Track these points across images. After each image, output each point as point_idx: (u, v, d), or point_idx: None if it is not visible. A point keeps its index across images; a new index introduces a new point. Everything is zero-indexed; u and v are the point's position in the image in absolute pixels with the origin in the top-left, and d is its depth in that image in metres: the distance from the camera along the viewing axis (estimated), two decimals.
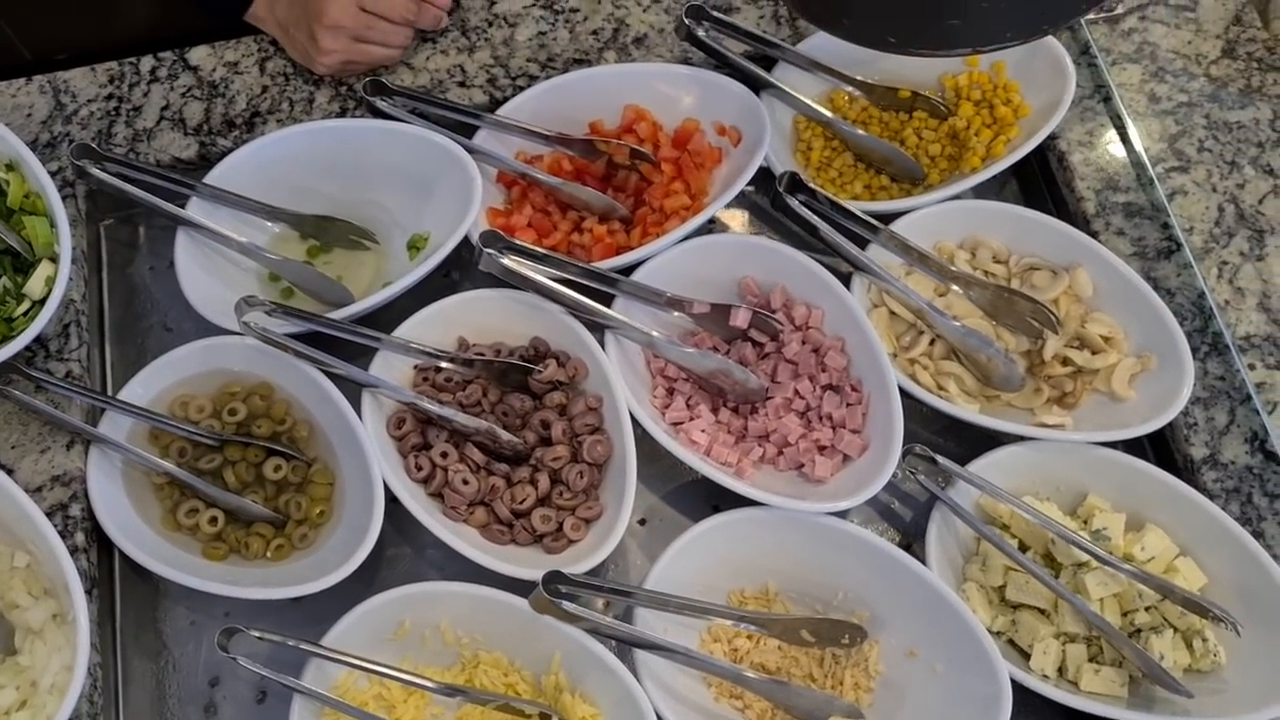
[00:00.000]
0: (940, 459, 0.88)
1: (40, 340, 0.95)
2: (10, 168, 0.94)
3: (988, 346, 0.92)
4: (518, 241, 0.92)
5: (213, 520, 0.91)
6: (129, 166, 0.98)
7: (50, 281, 0.92)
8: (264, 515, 0.91)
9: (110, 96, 1.05)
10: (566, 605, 0.82)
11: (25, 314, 0.92)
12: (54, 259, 0.93)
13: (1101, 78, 1.07)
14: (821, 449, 0.91)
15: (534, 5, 1.09)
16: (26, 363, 0.94)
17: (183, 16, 1.11)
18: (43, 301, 0.92)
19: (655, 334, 0.92)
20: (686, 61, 1.05)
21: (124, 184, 0.97)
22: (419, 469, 0.91)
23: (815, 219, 0.95)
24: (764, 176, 1.01)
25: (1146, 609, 0.86)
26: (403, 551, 0.95)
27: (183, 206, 0.98)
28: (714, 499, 0.94)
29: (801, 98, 1.01)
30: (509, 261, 0.92)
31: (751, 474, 0.90)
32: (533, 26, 1.08)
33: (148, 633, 0.93)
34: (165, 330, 1.03)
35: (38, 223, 0.92)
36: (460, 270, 1.03)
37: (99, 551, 0.91)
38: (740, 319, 0.94)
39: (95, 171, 0.97)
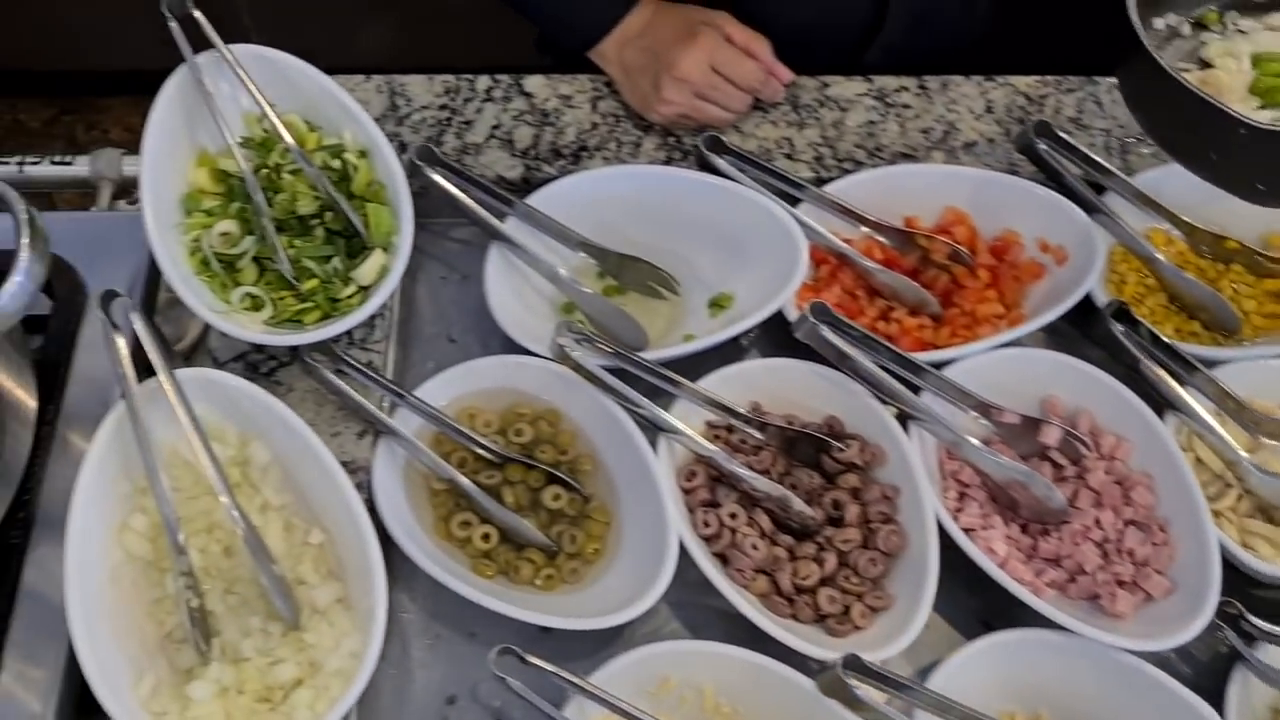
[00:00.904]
0: (1252, 618, 0.84)
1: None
2: (363, 154, 0.96)
3: None
4: (841, 317, 0.92)
5: (485, 537, 0.90)
6: (459, 176, 1.00)
7: (384, 270, 0.93)
8: (540, 541, 0.90)
9: (444, 107, 1.08)
10: (859, 692, 0.79)
11: (349, 297, 0.93)
12: (387, 249, 0.94)
13: None
14: (1121, 584, 0.88)
15: (867, 94, 1.10)
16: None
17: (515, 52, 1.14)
18: (366, 289, 0.94)
19: (966, 436, 0.91)
20: (1013, 173, 1.05)
21: (456, 191, 0.99)
22: (706, 525, 0.90)
23: (1137, 351, 0.94)
24: None
25: None
26: (655, 606, 0.93)
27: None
28: (985, 614, 0.91)
29: (1130, 229, 1.01)
30: (830, 335, 0.91)
31: (1047, 595, 0.87)
32: (863, 114, 1.09)
33: (391, 638, 0.91)
34: (449, 341, 1.04)
35: (380, 211, 0.94)
36: (747, 336, 1.03)
37: None
38: (1050, 436, 0.92)
39: (434, 175, 0.98)
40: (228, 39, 0.93)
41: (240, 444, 0.86)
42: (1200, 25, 0.90)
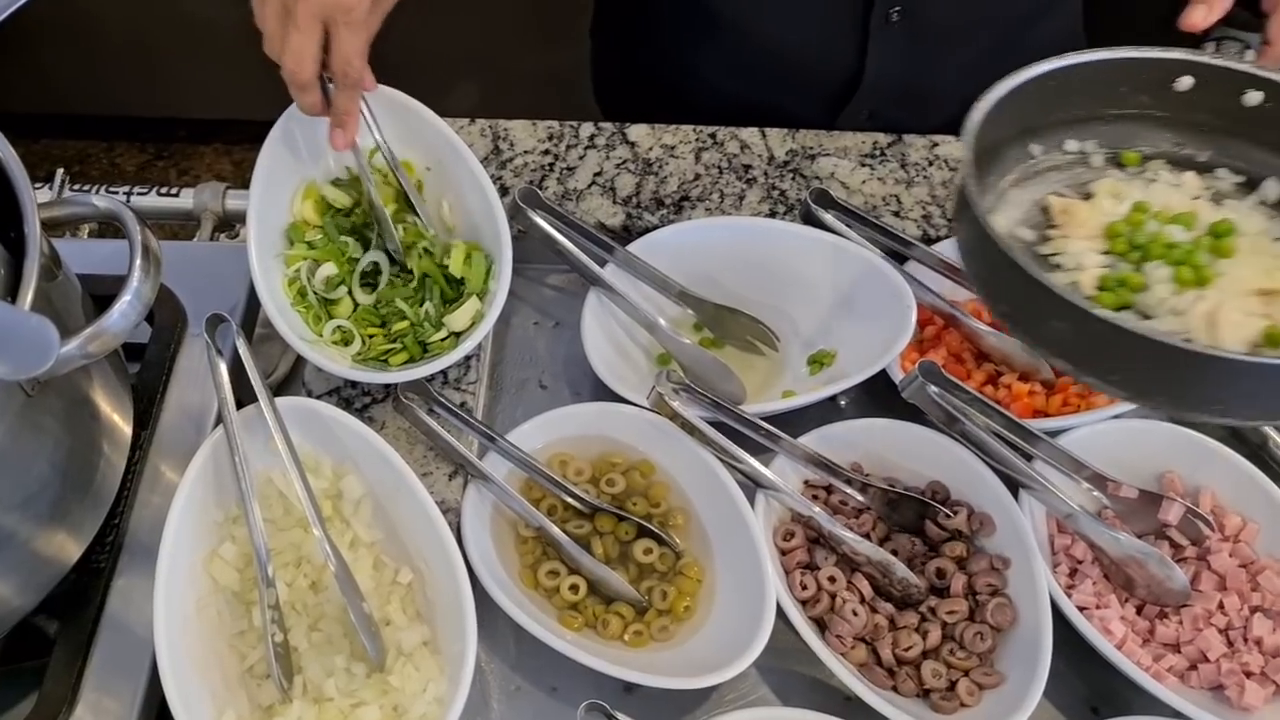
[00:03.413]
0: None
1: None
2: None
3: None
4: (951, 378, 0.88)
5: (573, 588, 0.87)
6: (560, 220, 0.99)
7: (479, 317, 0.92)
8: (630, 595, 0.87)
9: (547, 152, 1.08)
10: None
11: (441, 341, 0.92)
12: (482, 295, 0.93)
13: None
14: (1249, 674, 0.83)
15: None
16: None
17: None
18: (459, 334, 0.93)
19: (1083, 508, 0.86)
20: None
21: (557, 234, 0.98)
22: (803, 587, 0.86)
23: (1268, 429, 0.90)
24: None
25: None
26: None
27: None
28: (1093, 699, 0.86)
29: None
30: (939, 396, 0.88)
31: (1168, 682, 0.82)
32: None
33: (470, 687, 0.88)
34: (540, 387, 1.02)
35: (478, 259, 0.93)
36: (845, 395, 1.00)
37: None
38: (1170, 514, 0.87)
39: (535, 217, 0.98)
40: None
41: (334, 477, 0.84)
42: (1118, 163, 0.83)
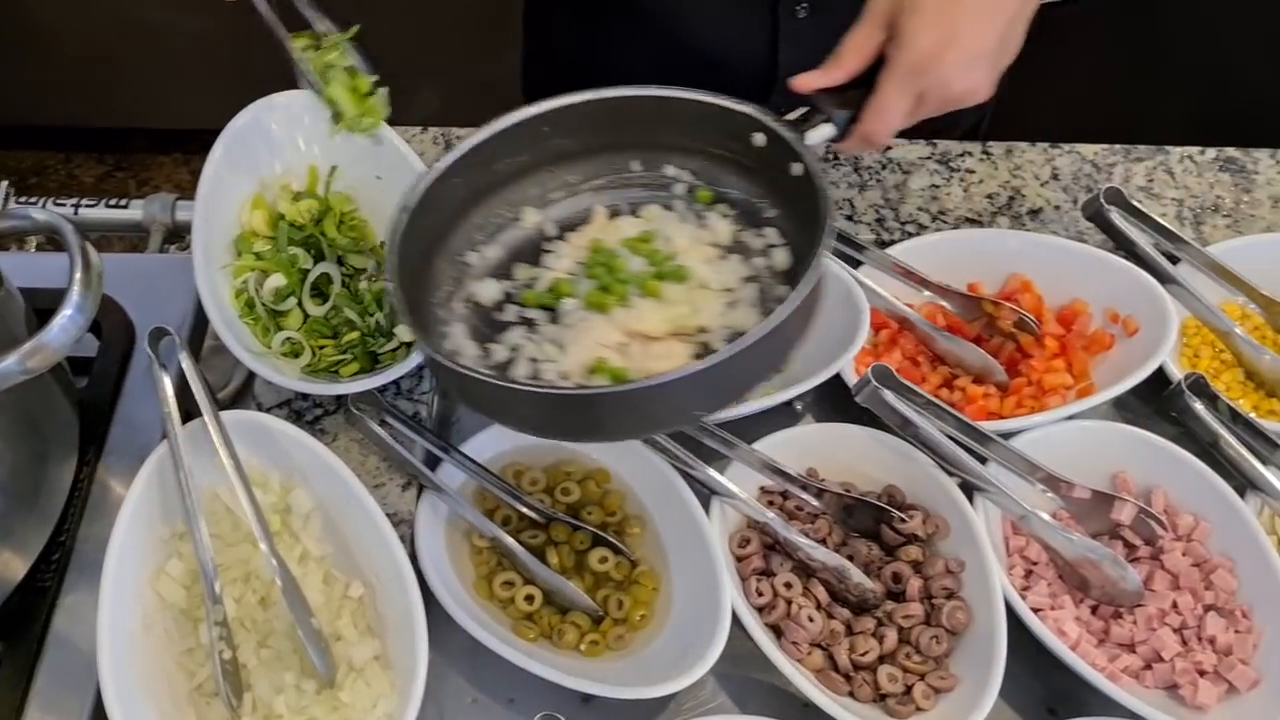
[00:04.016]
0: None
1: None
2: None
3: None
4: (905, 382, 0.89)
5: (529, 598, 0.87)
6: None
7: None
8: (586, 605, 0.86)
9: None
10: None
11: (391, 351, 0.92)
12: None
13: None
14: (1202, 673, 0.83)
15: (930, 159, 1.09)
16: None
17: None
18: (409, 344, 0.92)
19: (1036, 510, 0.87)
20: (1080, 242, 1.02)
21: None
22: (759, 594, 0.86)
23: (1217, 427, 0.90)
24: None
25: None
26: (702, 677, 0.88)
27: None
28: (1050, 700, 0.86)
29: (1206, 303, 0.97)
30: (893, 400, 0.88)
31: (1123, 683, 0.83)
32: (926, 178, 1.07)
33: (425, 701, 0.86)
34: None
35: None
36: (801, 400, 1.00)
37: None
38: (1123, 514, 0.88)
39: None
40: None
41: (282, 491, 0.83)
42: (698, 202, 0.84)
